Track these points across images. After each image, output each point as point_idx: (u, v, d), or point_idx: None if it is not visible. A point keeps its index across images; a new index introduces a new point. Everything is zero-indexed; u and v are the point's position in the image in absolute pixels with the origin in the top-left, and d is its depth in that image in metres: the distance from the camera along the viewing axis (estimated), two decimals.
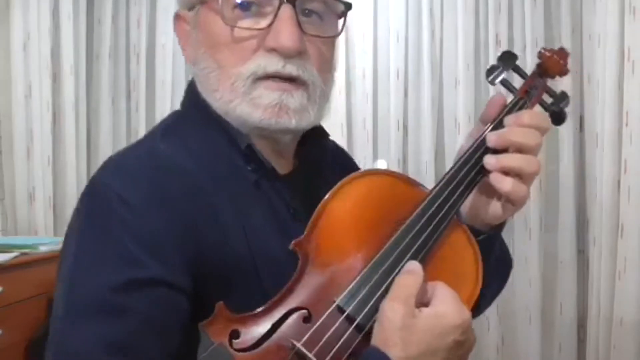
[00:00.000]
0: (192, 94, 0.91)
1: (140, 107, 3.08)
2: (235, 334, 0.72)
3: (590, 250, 2.75)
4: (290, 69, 0.82)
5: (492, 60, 2.89)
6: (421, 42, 2.91)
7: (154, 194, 0.77)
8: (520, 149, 0.85)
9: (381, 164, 2.99)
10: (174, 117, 0.93)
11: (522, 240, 2.85)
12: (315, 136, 0.93)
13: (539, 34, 2.81)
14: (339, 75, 2.92)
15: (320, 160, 0.94)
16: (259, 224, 0.83)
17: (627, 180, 2.57)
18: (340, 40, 3.21)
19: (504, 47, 2.83)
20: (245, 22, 0.82)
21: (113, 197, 0.76)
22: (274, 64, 0.82)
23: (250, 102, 0.83)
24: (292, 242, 0.78)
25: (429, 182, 2.92)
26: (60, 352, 0.73)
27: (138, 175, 0.79)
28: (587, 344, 2.75)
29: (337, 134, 2.92)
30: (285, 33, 0.81)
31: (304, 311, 0.75)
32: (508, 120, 0.87)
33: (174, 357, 0.74)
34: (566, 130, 2.77)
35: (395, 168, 2.94)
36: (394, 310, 0.73)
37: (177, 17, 0.91)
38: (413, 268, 0.77)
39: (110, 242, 0.75)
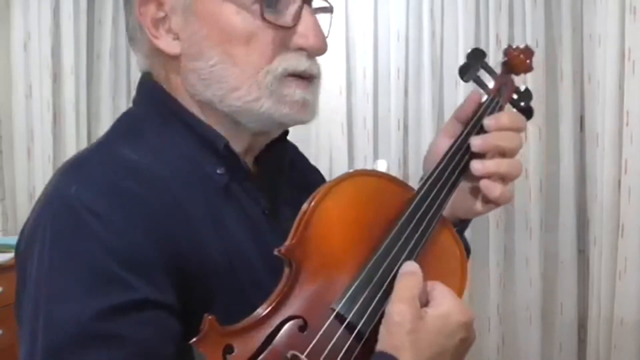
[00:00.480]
0: (152, 91, 0.85)
1: None
2: (229, 349, 0.68)
3: (591, 250, 2.75)
4: (315, 68, 0.83)
5: (493, 60, 2.88)
6: (422, 41, 2.91)
7: (128, 206, 0.71)
8: (504, 153, 0.87)
9: (381, 164, 2.99)
10: (131, 118, 0.87)
11: (523, 240, 2.85)
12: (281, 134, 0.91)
13: (539, 34, 2.80)
14: (340, 75, 2.92)
15: (282, 159, 0.92)
16: (234, 231, 0.80)
17: (627, 180, 2.57)
18: (341, 40, 3.21)
19: (504, 47, 2.83)
20: (271, 18, 0.79)
21: (83, 210, 0.70)
22: (303, 63, 0.81)
23: (279, 99, 0.80)
24: (282, 247, 0.74)
25: None
26: None
27: (107, 185, 0.73)
28: (588, 344, 2.75)
29: (337, 134, 2.93)
30: (317, 34, 0.81)
31: (299, 320, 0.72)
32: (488, 122, 0.88)
33: None
34: (566, 130, 2.77)
35: (395, 168, 2.94)
36: (401, 314, 0.72)
37: None
38: (412, 269, 0.76)
39: (88, 263, 0.68)
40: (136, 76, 3.37)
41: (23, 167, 3.03)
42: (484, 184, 0.86)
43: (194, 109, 0.83)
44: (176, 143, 0.82)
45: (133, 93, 2.94)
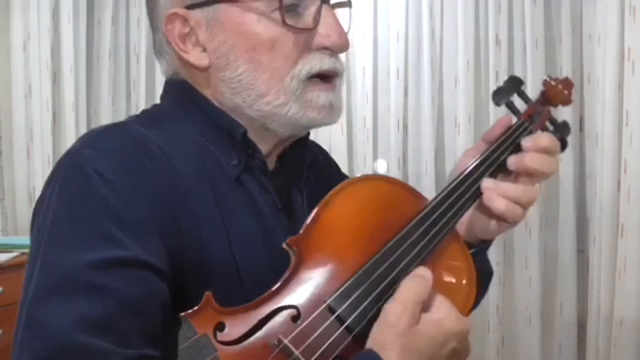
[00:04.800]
0: (178, 87, 0.88)
1: (140, 107, 3.06)
2: (220, 326, 0.71)
3: (590, 250, 2.75)
4: (339, 65, 0.85)
5: (492, 60, 2.91)
6: (421, 41, 2.91)
7: (136, 177, 0.75)
8: (538, 176, 0.87)
9: (381, 164, 2.99)
10: (154, 109, 0.90)
11: (522, 240, 2.85)
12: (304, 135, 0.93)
13: (539, 34, 2.81)
14: None
15: (304, 158, 0.94)
16: (242, 223, 0.82)
17: (627, 180, 2.57)
18: None
19: (504, 47, 2.84)
20: (292, 22, 0.81)
21: (94, 174, 0.73)
22: (326, 62, 0.83)
23: (303, 104, 0.83)
24: (288, 239, 0.77)
25: (429, 181, 2.92)
26: (30, 331, 0.68)
27: (119, 154, 0.76)
28: (587, 344, 2.75)
29: (337, 133, 2.93)
30: (338, 32, 0.83)
31: (293, 310, 0.74)
32: (525, 142, 0.88)
33: (153, 342, 0.71)
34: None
35: (395, 167, 2.94)
36: (398, 315, 0.72)
37: (173, 16, 0.84)
38: (424, 273, 0.76)
39: (89, 220, 0.72)
40: (135, 76, 3.35)
41: (23, 167, 3.03)
42: (486, 195, 0.85)
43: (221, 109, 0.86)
44: (193, 132, 0.85)
45: (133, 93, 2.95)
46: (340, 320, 0.74)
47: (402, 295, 0.74)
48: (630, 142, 2.56)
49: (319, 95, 0.83)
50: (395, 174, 2.93)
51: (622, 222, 2.57)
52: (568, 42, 2.79)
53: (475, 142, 3.15)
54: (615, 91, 2.58)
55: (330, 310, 0.74)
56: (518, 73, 2.84)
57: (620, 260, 2.58)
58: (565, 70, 2.78)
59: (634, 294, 2.57)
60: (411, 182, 2.97)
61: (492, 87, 2.85)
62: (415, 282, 0.75)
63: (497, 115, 2.82)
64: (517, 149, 0.88)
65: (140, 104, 3.08)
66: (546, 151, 0.87)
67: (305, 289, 0.75)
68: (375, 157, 2.99)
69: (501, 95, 0.93)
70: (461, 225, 0.90)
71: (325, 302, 0.74)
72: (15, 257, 2.47)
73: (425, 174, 2.92)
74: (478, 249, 0.92)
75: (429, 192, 2.89)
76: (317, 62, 0.83)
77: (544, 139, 0.88)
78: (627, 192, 2.57)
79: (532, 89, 2.86)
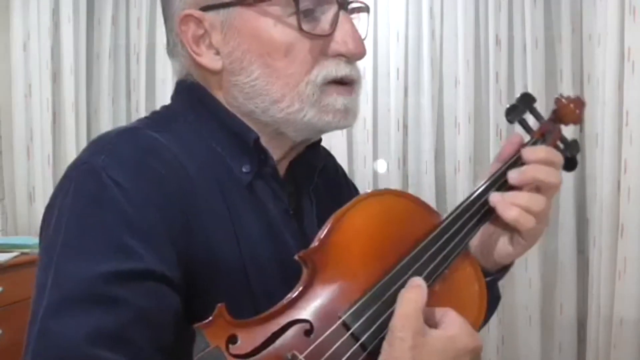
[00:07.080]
0: (190, 88, 0.87)
1: (140, 107, 3.08)
2: (233, 339, 0.69)
3: (590, 250, 2.75)
4: (354, 73, 0.84)
5: (492, 60, 2.91)
6: (421, 41, 2.91)
7: (150, 183, 0.74)
8: (540, 186, 0.85)
9: (381, 165, 2.99)
10: (165, 111, 0.89)
11: None
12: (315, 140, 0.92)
13: (539, 34, 2.81)
14: None
15: (315, 164, 0.93)
16: (252, 230, 0.81)
17: (627, 180, 2.57)
18: None
19: (504, 47, 2.84)
20: (308, 28, 0.80)
21: (109, 182, 0.72)
22: (342, 69, 0.82)
23: (321, 109, 0.81)
24: (301, 252, 0.75)
25: (429, 181, 2.92)
26: (41, 344, 0.67)
27: (134, 161, 0.75)
28: (587, 344, 2.75)
29: (337, 134, 2.92)
30: (355, 39, 0.83)
31: (306, 324, 0.72)
32: (525, 154, 0.86)
33: (165, 354, 0.70)
34: (566, 130, 2.77)
35: (395, 167, 2.94)
36: (403, 329, 0.71)
37: (187, 17, 0.82)
38: (416, 282, 0.75)
39: (104, 230, 0.71)
40: (135, 76, 3.35)
41: (23, 167, 3.03)
42: (499, 205, 0.83)
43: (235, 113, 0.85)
44: (205, 137, 0.84)
45: (133, 93, 2.96)
46: (355, 336, 0.73)
47: (401, 309, 0.72)
48: (630, 142, 2.56)
49: (337, 99, 0.82)
50: (395, 174, 2.93)
51: (622, 223, 2.57)
52: (568, 42, 2.79)
53: (475, 142, 3.14)
54: (615, 91, 2.58)
55: (345, 326, 0.73)
56: (518, 73, 2.84)
57: (620, 260, 2.58)
58: (565, 70, 2.79)
59: (634, 294, 2.57)
60: (411, 182, 2.98)
61: (492, 87, 2.87)
62: (412, 293, 0.74)
63: (498, 115, 2.83)
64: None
65: (140, 104, 3.08)
66: (546, 162, 0.85)
67: (318, 303, 0.74)
68: (375, 158, 3.00)
69: (515, 112, 0.92)
70: (476, 253, 0.89)
71: (340, 317, 0.73)
72: (15, 257, 2.47)
73: (425, 174, 2.92)
74: (493, 277, 0.91)
75: (429, 192, 2.89)
76: (334, 68, 0.81)
77: (542, 150, 0.86)
78: (627, 192, 2.57)
79: (533, 89, 2.85)
